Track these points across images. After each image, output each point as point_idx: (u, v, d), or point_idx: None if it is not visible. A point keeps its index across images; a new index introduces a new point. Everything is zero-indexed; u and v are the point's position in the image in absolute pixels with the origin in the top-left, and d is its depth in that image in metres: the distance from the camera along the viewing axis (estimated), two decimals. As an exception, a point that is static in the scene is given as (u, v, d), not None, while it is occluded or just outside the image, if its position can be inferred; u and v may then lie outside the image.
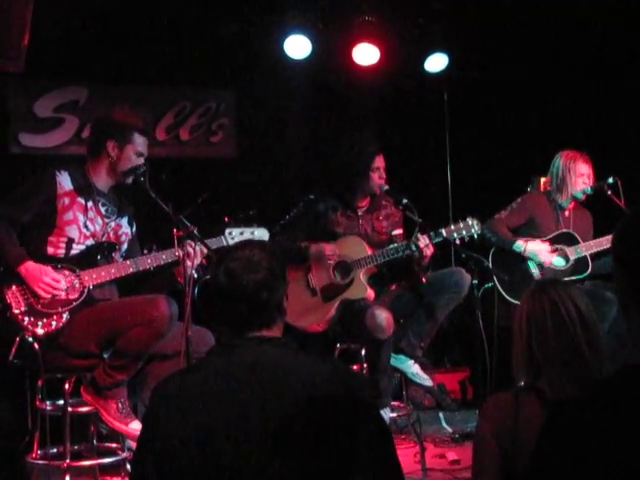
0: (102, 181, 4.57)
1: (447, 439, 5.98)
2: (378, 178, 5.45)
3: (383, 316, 4.98)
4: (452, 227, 5.26)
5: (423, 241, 5.13)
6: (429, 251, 5.15)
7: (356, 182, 5.49)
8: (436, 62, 7.49)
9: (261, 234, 4.78)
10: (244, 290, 2.48)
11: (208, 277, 6.18)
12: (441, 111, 8.19)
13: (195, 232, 4.37)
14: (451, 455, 5.43)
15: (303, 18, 7.06)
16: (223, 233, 4.67)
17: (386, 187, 5.38)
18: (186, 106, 7.81)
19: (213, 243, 4.49)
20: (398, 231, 5.47)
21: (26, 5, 4.76)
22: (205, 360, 2.56)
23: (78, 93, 7.41)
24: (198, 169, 7.53)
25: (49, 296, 4.20)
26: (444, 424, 6.49)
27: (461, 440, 5.89)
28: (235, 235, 4.69)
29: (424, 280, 5.29)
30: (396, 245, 5.26)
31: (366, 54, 7.25)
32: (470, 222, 5.27)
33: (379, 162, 5.45)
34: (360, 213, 5.54)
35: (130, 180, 4.50)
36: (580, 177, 5.83)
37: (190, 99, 7.83)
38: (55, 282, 4.21)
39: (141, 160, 4.58)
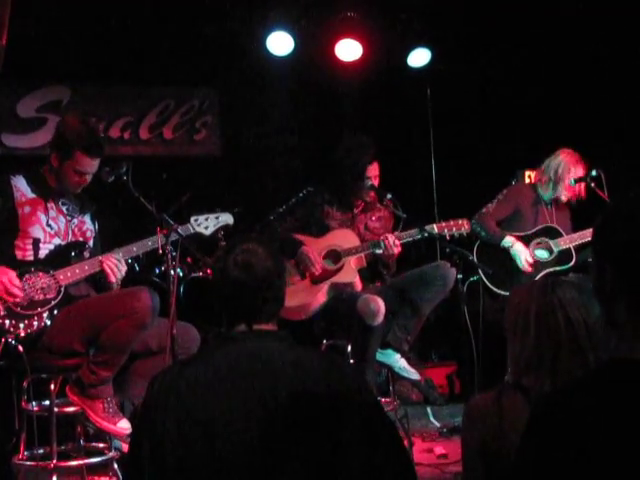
0: (55, 184, 4.49)
1: (435, 433, 6.00)
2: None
3: (375, 302, 5.00)
4: (443, 224, 5.29)
5: (391, 240, 5.18)
6: (396, 250, 5.19)
7: (349, 187, 5.48)
8: (419, 57, 7.51)
9: (226, 218, 4.76)
10: (258, 279, 2.49)
11: (196, 275, 6.20)
12: (424, 105, 8.19)
13: (179, 230, 4.37)
14: (439, 449, 5.45)
15: (285, 15, 7.06)
16: (189, 221, 4.66)
17: (370, 183, 5.38)
18: (169, 104, 7.81)
19: (181, 231, 4.44)
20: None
21: (4, 5, 4.73)
22: (204, 352, 2.56)
23: (61, 93, 7.41)
24: (182, 167, 7.53)
25: (5, 296, 4.15)
26: (432, 418, 6.50)
27: (449, 434, 5.90)
28: (201, 221, 4.67)
29: (387, 278, 5.44)
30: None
31: (349, 50, 7.26)
32: (460, 221, 5.32)
33: (372, 171, 5.43)
34: (355, 212, 5.55)
35: (112, 179, 4.46)
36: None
37: (173, 97, 7.83)
38: (10, 283, 4.15)
39: (84, 177, 4.43)
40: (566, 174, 5.86)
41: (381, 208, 5.62)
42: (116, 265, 4.38)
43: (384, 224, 5.61)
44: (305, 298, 5.29)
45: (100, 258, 4.40)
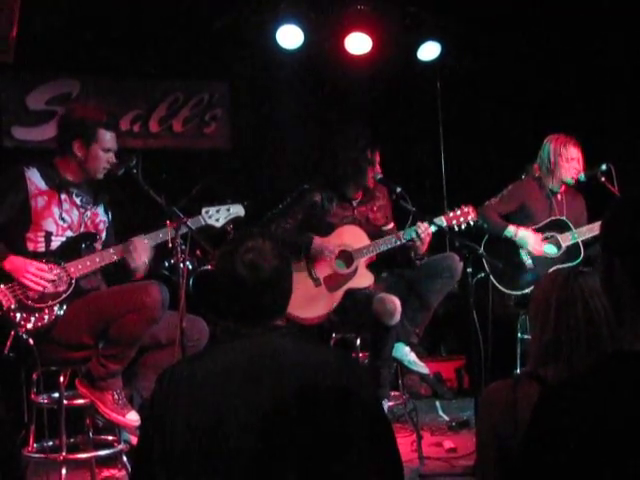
0: (73, 175, 4.48)
1: (443, 427, 6.01)
2: (372, 172, 5.39)
3: (391, 301, 4.96)
4: (451, 214, 5.25)
5: (423, 228, 5.13)
6: (428, 237, 5.16)
7: (351, 175, 5.40)
8: (429, 51, 7.48)
9: (237, 210, 4.76)
10: (266, 280, 2.47)
11: (205, 268, 6.20)
12: (434, 100, 8.17)
13: (189, 223, 4.37)
14: (448, 443, 5.45)
15: (295, 8, 7.05)
16: (200, 212, 4.65)
17: (380, 176, 5.34)
18: (179, 97, 7.81)
19: (192, 223, 4.45)
20: (389, 226, 5.45)
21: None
22: (212, 348, 2.56)
23: (70, 86, 7.41)
24: (191, 160, 7.53)
25: (38, 287, 4.16)
26: (440, 412, 6.50)
27: (457, 428, 5.90)
28: (212, 213, 4.67)
29: (418, 263, 5.35)
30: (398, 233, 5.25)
31: (358, 43, 7.25)
32: (466, 209, 5.27)
33: (376, 156, 5.38)
34: (355, 204, 5.49)
35: (121, 172, 4.47)
36: (571, 161, 5.82)
37: (183, 90, 7.83)
38: (40, 271, 4.18)
39: (110, 155, 4.46)
40: (559, 156, 5.80)
41: (379, 196, 5.54)
42: (144, 248, 4.39)
43: (384, 213, 5.56)
44: (324, 308, 5.23)
45: (132, 240, 4.41)
